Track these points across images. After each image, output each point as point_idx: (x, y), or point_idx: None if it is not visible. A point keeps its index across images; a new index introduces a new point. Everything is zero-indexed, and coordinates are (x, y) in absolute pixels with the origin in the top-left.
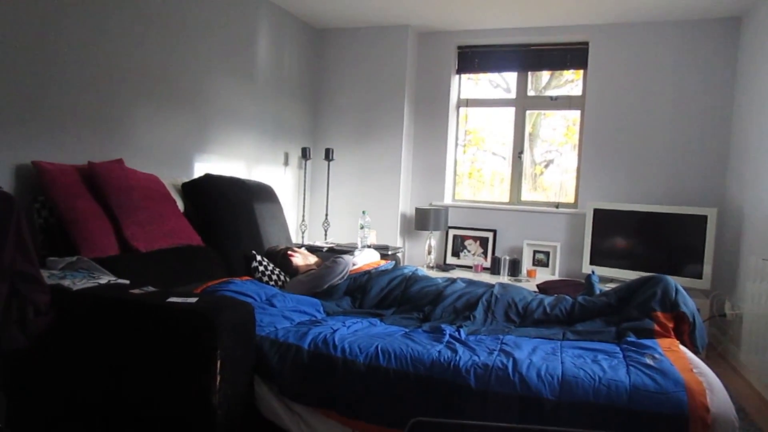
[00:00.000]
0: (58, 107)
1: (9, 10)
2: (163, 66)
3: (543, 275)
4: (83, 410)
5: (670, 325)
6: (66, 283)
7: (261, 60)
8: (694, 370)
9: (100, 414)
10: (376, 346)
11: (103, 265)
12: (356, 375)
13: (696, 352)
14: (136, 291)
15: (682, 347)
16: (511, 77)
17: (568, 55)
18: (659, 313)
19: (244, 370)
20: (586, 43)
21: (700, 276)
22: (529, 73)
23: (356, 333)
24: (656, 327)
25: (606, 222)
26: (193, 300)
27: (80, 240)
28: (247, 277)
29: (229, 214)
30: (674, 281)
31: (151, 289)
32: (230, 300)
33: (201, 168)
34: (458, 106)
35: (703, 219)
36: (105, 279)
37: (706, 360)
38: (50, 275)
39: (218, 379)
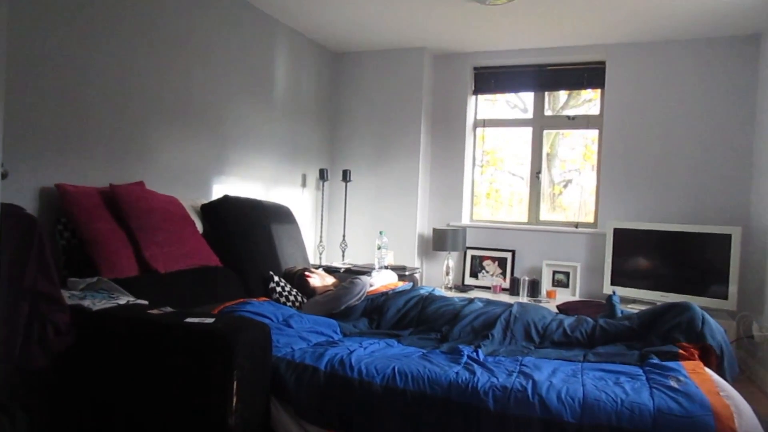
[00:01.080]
0: (81, 131)
1: (33, 35)
2: (182, 90)
3: (563, 296)
4: (101, 429)
5: (696, 352)
6: (86, 303)
7: (279, 83)
8: (721, 393)
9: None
10: (393, 368)
11: (122, 286)
12: (373, 397)
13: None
14: (154, 311)
15: (707, 369)
16: (528, 98)
17: (585, 74)
18: (684, 344)
19: (261, 391)
20: (603, 63)
21: (725, 296)
22: (546, 93)
23: (373, 354)
24: (681, 351)
25: (627, 242)
26: (210, 320)
27: (101, 261)
28: (264, 298)
29: (247, 235)
30: (701, 310)
31: (169, 309)
32: (247, 320)
33: (220, 189)
34: (475, 127)
35: (728, 238)
36: (124, 299)
37: (734, 383)
38: (71, 295)
39: (235, 400)
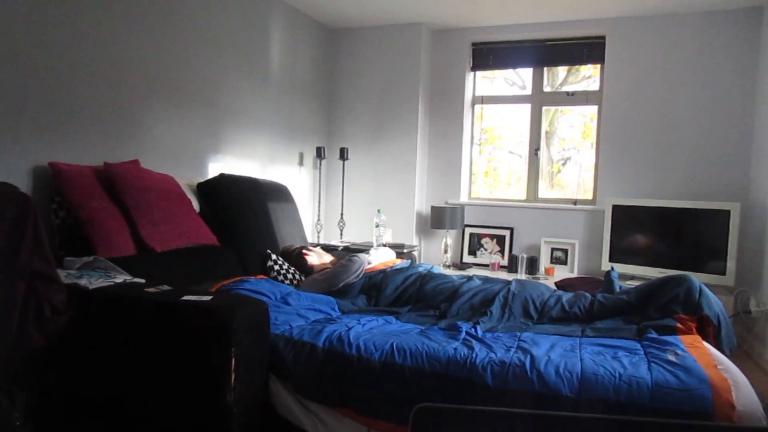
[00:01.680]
0: (74, 109)
1: (25, 12)
2: (177, 67)
3: (561, 273)
4: (99, 407)
5: (693, 325)
6: (83, 282)
7: (274, 60)
8: (719, 367)
9: (116, 411)
10: (392, 344)
11: (119, 265)
12: (371, 373)
13: (724, 355)
14: (152, 290)
15: (705, 343)
16: (526, 75)
17: (584, 49)
18: (681, 315)
19: (259, 368)
20: (603, 37)
21: (723, 272)
22: (545, 69)
23: (371, 331)
24: (678, 324)
25: (625, 218)
26: (208, 298)
27: (97, 240)
28: (262, 276)
29: (244, 213)
30: (698, 282)
31: (166, 288)
32: (245, 298)
33: (216, 168)
34: (473, 104)
35: (726, 214)
36: (121, 278)
37: (731, 358)
38: (67, 275)
39: (233, 377)
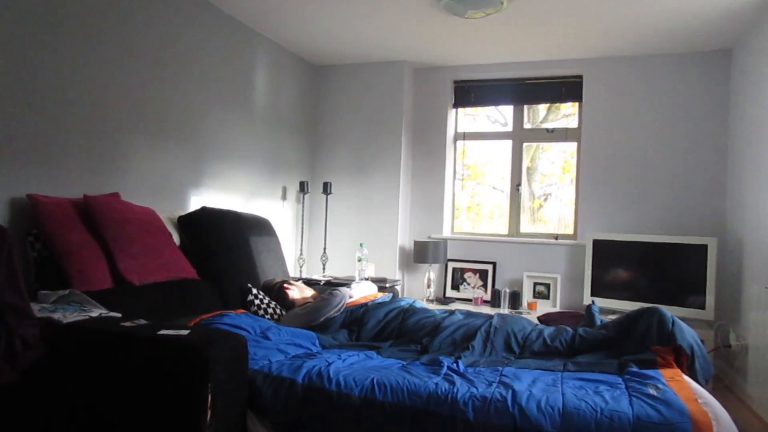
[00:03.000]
0: (53, 140)
1: (6, 44)
2: (159, 100)
3: (544, 307)
4: None
5: (670, 357)
6: (56, 316)
7: (259, 95)
8: (699, 401)
9: None
10: (372, 379)
11: (95, 299)
12: (351, 409)
13: (700, 384)
14: (127, 324)
15: (686, 377)
16: (508, 112)
17: (563, 88)
18: (658, 347)
19: (237, 404)
20: (581, 77)
21: (703, 306)
22: (526, 106)
23: (352, 366)
24: (658, 358)
25: (606, 253)
26: (185, 332)
27: (73, 273)
28: (242, 310)
29: (226, 247)
30: (670, 313)
31: (143, 322)
32: (223, 332)
33: (197, 201)
34: (455, 140)
35: (704, 249)
36: (96, 312)
37: (713, 392)
38: (41, 308)
39: (209, 413)
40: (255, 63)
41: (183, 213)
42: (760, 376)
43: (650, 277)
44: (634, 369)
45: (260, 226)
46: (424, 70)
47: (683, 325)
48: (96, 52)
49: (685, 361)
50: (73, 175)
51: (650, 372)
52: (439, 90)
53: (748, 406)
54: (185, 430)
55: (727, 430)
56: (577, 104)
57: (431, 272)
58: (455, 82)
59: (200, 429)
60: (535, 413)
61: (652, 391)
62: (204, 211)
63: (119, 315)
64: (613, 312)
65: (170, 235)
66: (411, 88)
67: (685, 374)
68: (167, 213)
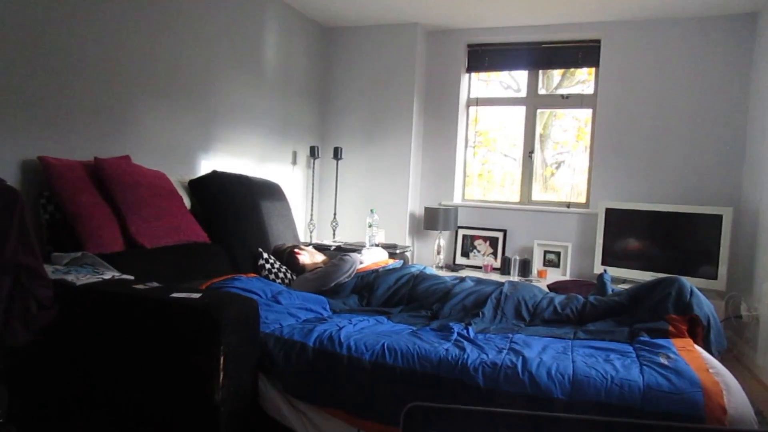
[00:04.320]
0: (64, 103)
1: (17, 8)
2: (169, 63)
3: (554, 276)
4: (85, 405)
5: (684, 327)
6: (70, 278)
7: (269, 57)
8: (711, 370)
9: (102, 409)
10: (383, 344)
11: (108, 261)
12: (362, 373)
13: (712, 356)
14: (140, 286)
15: (697, 347)
16: (521, 78)
17: (579, 53)
18: (672, 316)
19: (248, 367)
20: (598, 41)
21: (715, 277)
22: (540, 72)
23: (362, 331)
24: (670, 328)
25: (618, 222)
26: (197, 296)
27: (85, 235)
28: (253, 275)
29: (236, 211)
30: (689, 283)
31: (155, 284)
32: (235, 296)
33: (208, 165)
34: (468, 105)
35: (718, 219)
36: (109, 274)
37: (721, 361)
38: (54, 270)
39: (221, 375)
40: (265, 25)
41: (193, 177)
42: None
43: (662, 246)
44: (645, 338)
45: (271, 191)
46: (437, 33)
47: (701, 296)
48: (106, 15)
49: (701, 332)
50: (84, 137)
51: (661, 341)
52: (453, 54)
53: (757, 377)
54: (198, 392)
55: (738, 400)
56: (592, 70)
57: (441, 239)
58: (469, 45)
59: (213, 390)
60: (545, 380)
61: (663, 360)
62: (215, 174)
63: (132, 277)
64: (624, 281)
65: (181, 199)
66: (423, 52)
67: (698, 345)
68: (177, 176)
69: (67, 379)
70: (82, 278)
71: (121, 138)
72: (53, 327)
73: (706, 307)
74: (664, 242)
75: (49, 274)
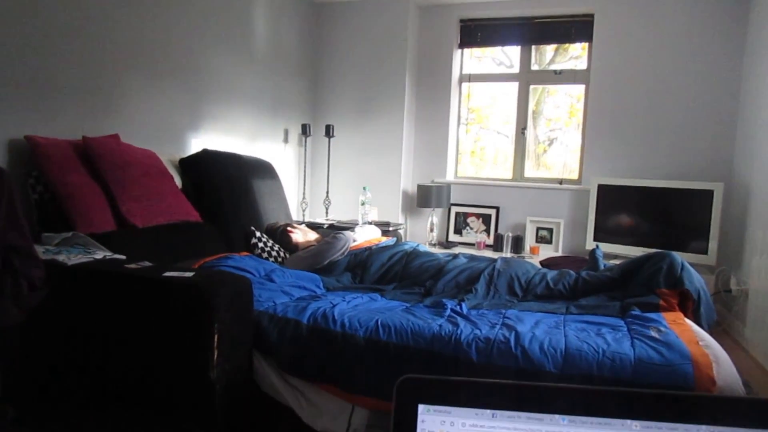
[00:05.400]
0: (51, 81)
1: None
2: (158, 39)
3: (546, 252)
4: (81, 384)
5: (674, 301)
6: (61, 258)
7: (259, 34)
8: (700, 343)
9: (96, 389)
10: (376, 320)
11: (99, 241)
12: (355, 349)
13: (702, 329)
14: (132, 266)
15: (687, 320)
16: (514, 54)
17: (572, 27)
18: (663, 290)
19: (243, 345)
20: (592, 15)
21: (705, 251)
22: (533, 48)
23: (356, 308)
24: (661, 302)
25: (610, 198)
26: (190, 274)
27: (76, 215)
28: (246, 253)
29: (228, 190)
30: (680, 258)
31: (147, 264)
32: (228, 274)
33: (198, 144)
34: (460, 82)
35: (710, 194)
36: (101, 254)
37: (711, 334)
38: (45, 250)
39: (216, 354)
40: (254, 1)
41: (184, 156)
42: (758, 320)
43: (654, 222)
44: (637, 312)
45: (263, 169)
46: (429, 7)
47: (692, 270)
48: None
49: (691, 306)
50: (72, 116)
51: (652, 315)
52: (445, 29)
53: (745, 349)
54: (192, 370)
55: (727, 372)
56: (585, 46)
57: (434, 216)
58: (461, 21)
59: (207, 369)
60: (537, 354)
61: (653, 334)
62: (206, 153)
63: (123, 257)
64: (616, 257)
65: (172, 178)
66: (415, 27)
67: (689, 318)
68: (168, 155)
69: (60, 358)
70: (73, 258)
71: (110, 117)
72: (45, 307)
73: (697, 281)
74: (655, 218)
75: (40, 254)
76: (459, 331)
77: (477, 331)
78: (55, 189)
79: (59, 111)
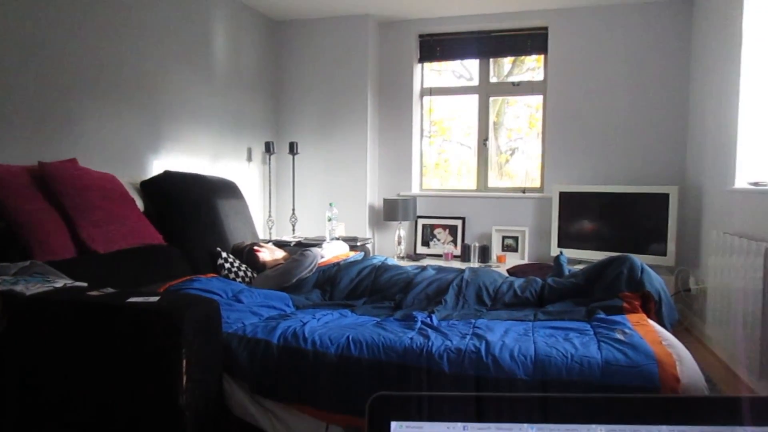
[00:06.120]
0: (3, 106)
1: None
2: (114, 60)
3: (513, 260)
4: (43, 418)
5: (637, 303)
6: (18, 288)
7: (218, 53)
8: (664, 343)
9: (60, 422)
10: (347, 337)
11: (59, 269)
12: (328, 367)
13: (665, 329)
14: (95, 293)
15: (650, 321)
16: (473, 67)
17: (528, 40)
18: (626, 293)
19: (212, 368)
20: (546, 28)
21: (664, 253)
22: (491, 60)
23: (327, 325)
24: (624, 304)
25: (572, 204)
26: (156, 299)
27: (33, 243)
28: (212, 275)
29: (191, 211)
30: (640, 260)
31: (110, 290)
32: (194, 297)
33: (160, 165)
34: (422, 96)
35: (665, 197)
36: (61, 282)
37: (673, 331)
38: (1, 281)
39: (185, 379)
40: (212, 19)
41: (145, 178)
42: (717, 317)
43: (614, 226)
44: (602, 315)
45: (226, 189)
46: (388, 23)
47: (651, 272)
48: (46, 12)
49: (653, 307)
50: (26, 141)
51: (617, 317)
52: (404, 44)
53: (706, 346)
54: (161, 397)
55: (691, 370)
56: (541, 57)
57: (401, 229)
58: (420, 35)
59: (176, 395)
60: (508, 362)
61: (619, 336)
62: (167, 175)
63: (85, 284)
64: (579, 262)
65: (133, 201)
66: (375, 43)
67: (652, 319)
68: (128, 178)
69: (22, 392)
70: (31, 288)
71: (67, 141)
72: (3, 340)
73: (657, 282)
74: (615, 222)
75: None
76: (430, 344)
77: (448, 342)
78: (10, 217)
79: (13, 137)
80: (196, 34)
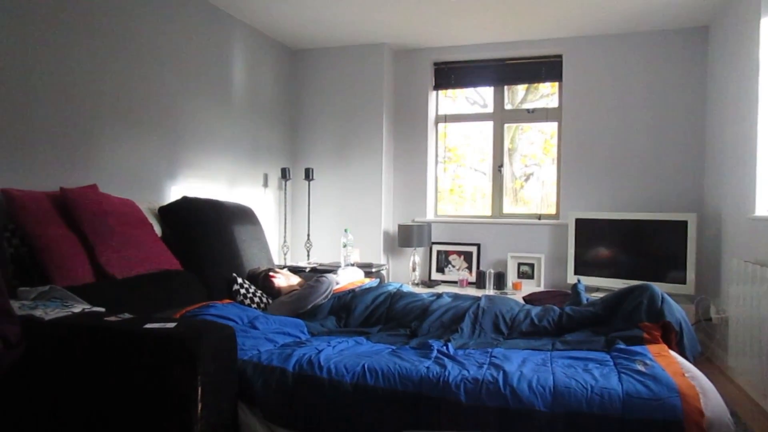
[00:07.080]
0: (26, 132)
1: None
2: (135, 89)
3: (528, 287)
4: None
5: (658, 333)
6: (38, 313)
7: (236, 81)
8: (686, 375)
9: None
10: (363, 365)
11: (77, 294)
12: (343, 395)
13: (687, 360)
14: (112, 318)
15: (672, 352)
16: (487, 94)
17: (543, 68)
18: (646, 323)
19: (227, 396)
20: (560, 56)
21: (683, 281)
22: (506, 87)
23: (342, 352)
24: (645, 335)
25: (588, 231)
26: (172, 325)
27: (53, 268)
28: (228, 301)
29: (208, 237)
30: (660, 290)
31: (127, 316)
32: (210, 324)
33: (178, 191)
34: (437, 122)
35: (684, 224)
36: (79, 307)
37: (695, 363)
38: (21, 306)
39: (200, 406)
40: (231, 48)
41: (163, 204)
42: (740, 347)
43: (632, 254)
44: (622, 346)
45: (243, 215)
46: (404, 52)
47: (672, 302)
48: (67, 40)
49: (674, 338)
50: (48, 167)
51: (637, 348)
52: (419, 72)
53: (729, 377)
54: (176, 424)
55: (715, 403)
56: (556, 84)
57: (416, 256)
58: (435, 63)
59: (191, 422)
60: (526, 393)
61: (640, 367)
62: (185, 200)
63: (103, 309)
64: (597, 289)
65: (151, 227)
66: (391, 71)
67: (673, 350)
68: (147, 204)
69: (37, 417)
70: (50, 313)
71: (87, 167)
72: (22, 365)
73: (678, 312)
74: (633, 249)
75: (16, 309)
76: (447, 373)
77: (465, 372)
78: (31, 242)
79: (36, 163)
80: (216, 63)
